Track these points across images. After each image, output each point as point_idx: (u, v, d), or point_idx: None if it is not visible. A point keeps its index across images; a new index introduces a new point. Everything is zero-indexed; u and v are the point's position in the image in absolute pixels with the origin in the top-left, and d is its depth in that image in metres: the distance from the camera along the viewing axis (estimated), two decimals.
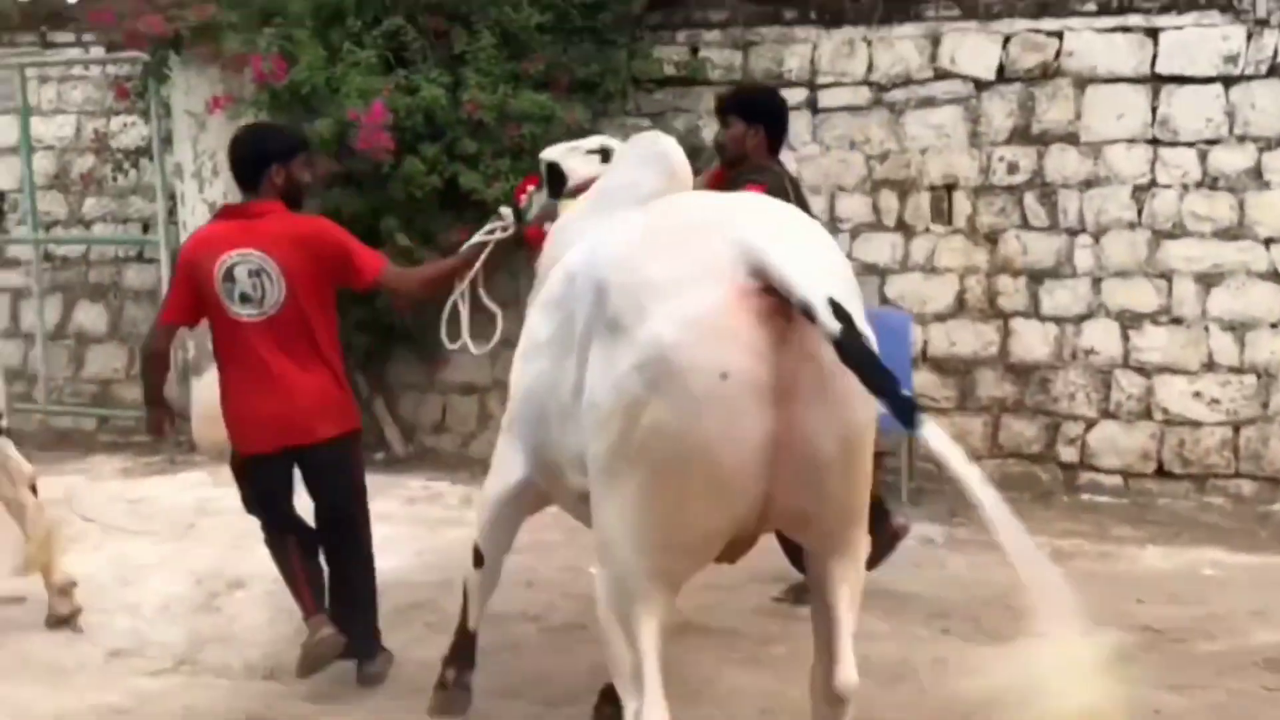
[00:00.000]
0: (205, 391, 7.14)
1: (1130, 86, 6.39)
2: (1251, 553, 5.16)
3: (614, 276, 2.44)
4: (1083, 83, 6.46)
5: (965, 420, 6.56)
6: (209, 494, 6.21)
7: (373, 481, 6.45)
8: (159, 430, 4.22)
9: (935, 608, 4.56)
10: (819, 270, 2.32)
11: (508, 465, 3.25)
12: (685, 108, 7.07)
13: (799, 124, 6.89)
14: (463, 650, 3.63)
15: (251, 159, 3.90)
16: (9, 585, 5.03)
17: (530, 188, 4.03)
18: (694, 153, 6.82)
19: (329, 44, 6.49)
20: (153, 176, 7.38)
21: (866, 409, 2.33)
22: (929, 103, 6.70)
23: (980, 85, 6.61)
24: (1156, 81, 6.35)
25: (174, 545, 5.38)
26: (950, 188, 6.64)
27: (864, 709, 3.57)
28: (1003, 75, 6.58)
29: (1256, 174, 6.21)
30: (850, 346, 2.15)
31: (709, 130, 6.99)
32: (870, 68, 6.79)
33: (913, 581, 4.85)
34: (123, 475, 6.74)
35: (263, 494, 3.91)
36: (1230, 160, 6.26)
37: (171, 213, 7.26)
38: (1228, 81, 6.25)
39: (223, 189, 6.98)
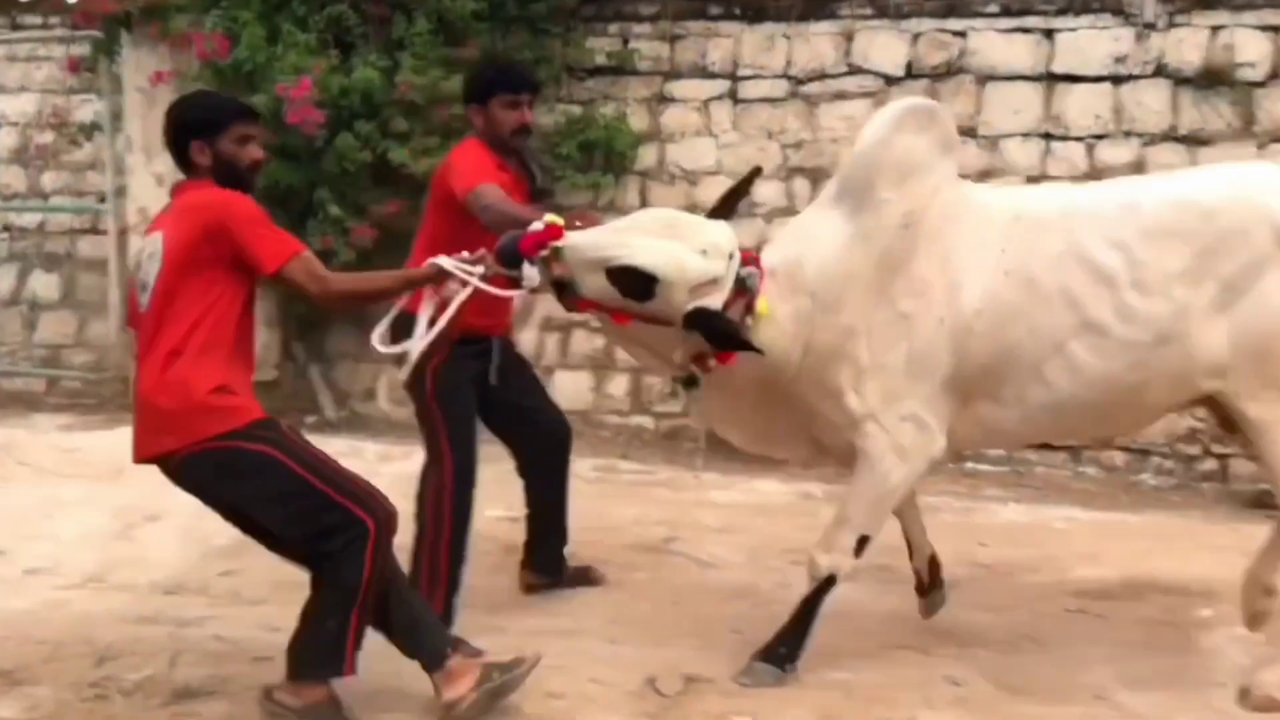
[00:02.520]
0: None
1: (1027, 84, 6.79)
2: (1107, 511, 5.52)
3: None
4: (983, 79, 6.85)
5: None
6: None
7: None
8: None
9: None
10: None
11: (926, 442, 3.47)
12: (615, 96, 7.44)
13: (721, 113, 7.29)
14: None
15: (173, 134, 3.32)
16: None
17: (554, 243, 3.26)
18: (627, 137, 7.29)
19: (273, 26, 6.85)
20: (106, 151, 7.74)
21: None
22: (842, 96, 7.08)
23: (889, 80, 6.99)
24: (1051, 80, 6.76)
25: (100, 486, 5.70)
26: None
27: None
28: (910, 71, 6.96)
29: (1138, 167, 6.59)
30: None
31: (635, 118, 7.41)
32: (788, 62, 7.16)
33: None
34: (64, 429, 7.07)
35: None
36: (1115, 154, 6.65)
37: (124, 186, 7.61)
38: (1116, 80, 6.66)
39: (170, 162, 7.35)
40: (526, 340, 7.56)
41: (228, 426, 3.12)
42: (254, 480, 3.14)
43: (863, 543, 3.50)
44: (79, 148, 8.01)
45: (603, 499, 5.63)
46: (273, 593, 4.32)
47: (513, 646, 3.68)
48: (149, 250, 3.22)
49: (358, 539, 3.12)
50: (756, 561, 4.57)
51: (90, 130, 7.85)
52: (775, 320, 3.35)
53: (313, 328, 7.63)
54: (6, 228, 8.37)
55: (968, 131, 6.77)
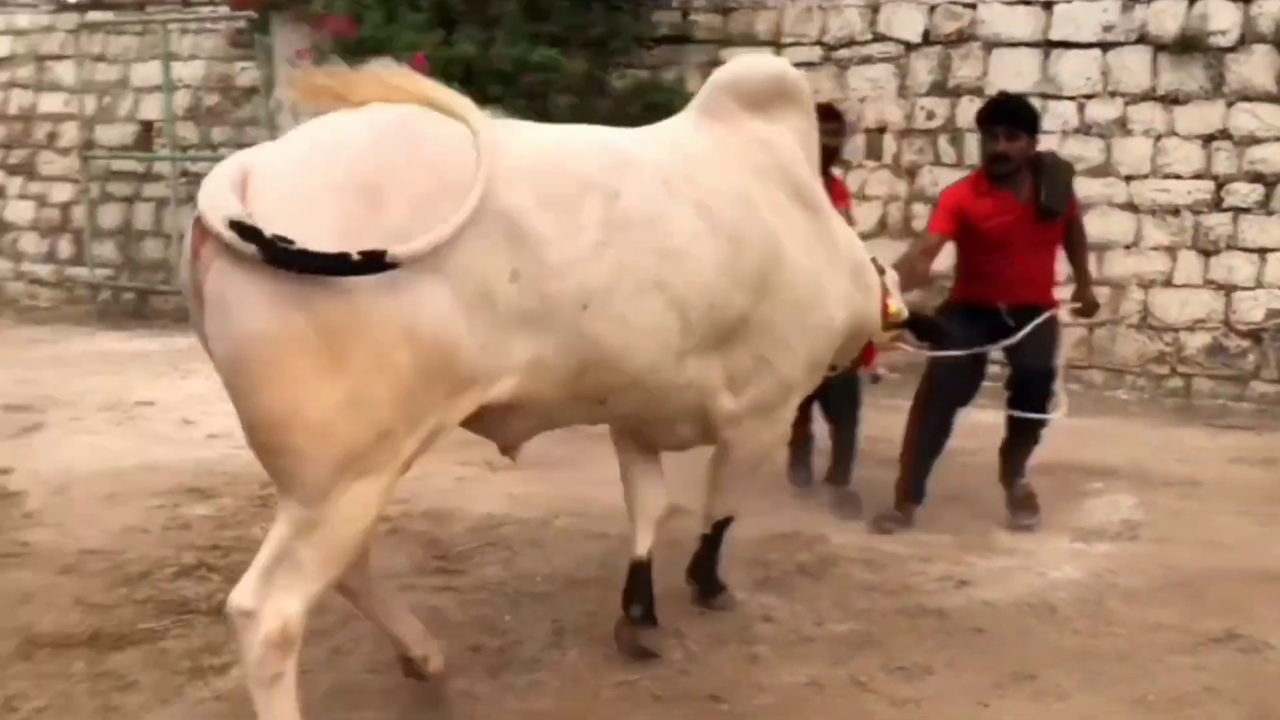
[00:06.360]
0: None
1: (1028, 50, 7.84)
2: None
3: None
4: (990, 46, 7.93)
5: None
6: None
7: None
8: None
9: None
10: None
11: None
12: (676, 62, 8.73)
13: None
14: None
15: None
16: None
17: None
18: (685, 98, 8.58)
19: (390, 8, 8.34)
20: (261, 110, 9.39)
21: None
22: (867, 60, 8.25)
23: (909, 47, 8.12)
24: (1048, 46, 7.79)
25: None
26: (881, 130, 8.20)
27: None
28: (927, 39, 8.08)
29: (1122, 124, 7.63)
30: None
31: (694, 82, 8.67)
32: (823, 31, 8.35)
33: None
34: None
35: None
36: (1102, 112, 7.68)
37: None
38: (1104, 47, 7.66)
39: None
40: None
41: None
42: None
43: None
44: (239, 107, 9.68)
45: None
46: None
47: None
48: None
49: None
50: None
51: (249, 93, 9.50)
52: None
53: None
54: (185, 174, 10.13)
55: (975, 91, 7.88)
